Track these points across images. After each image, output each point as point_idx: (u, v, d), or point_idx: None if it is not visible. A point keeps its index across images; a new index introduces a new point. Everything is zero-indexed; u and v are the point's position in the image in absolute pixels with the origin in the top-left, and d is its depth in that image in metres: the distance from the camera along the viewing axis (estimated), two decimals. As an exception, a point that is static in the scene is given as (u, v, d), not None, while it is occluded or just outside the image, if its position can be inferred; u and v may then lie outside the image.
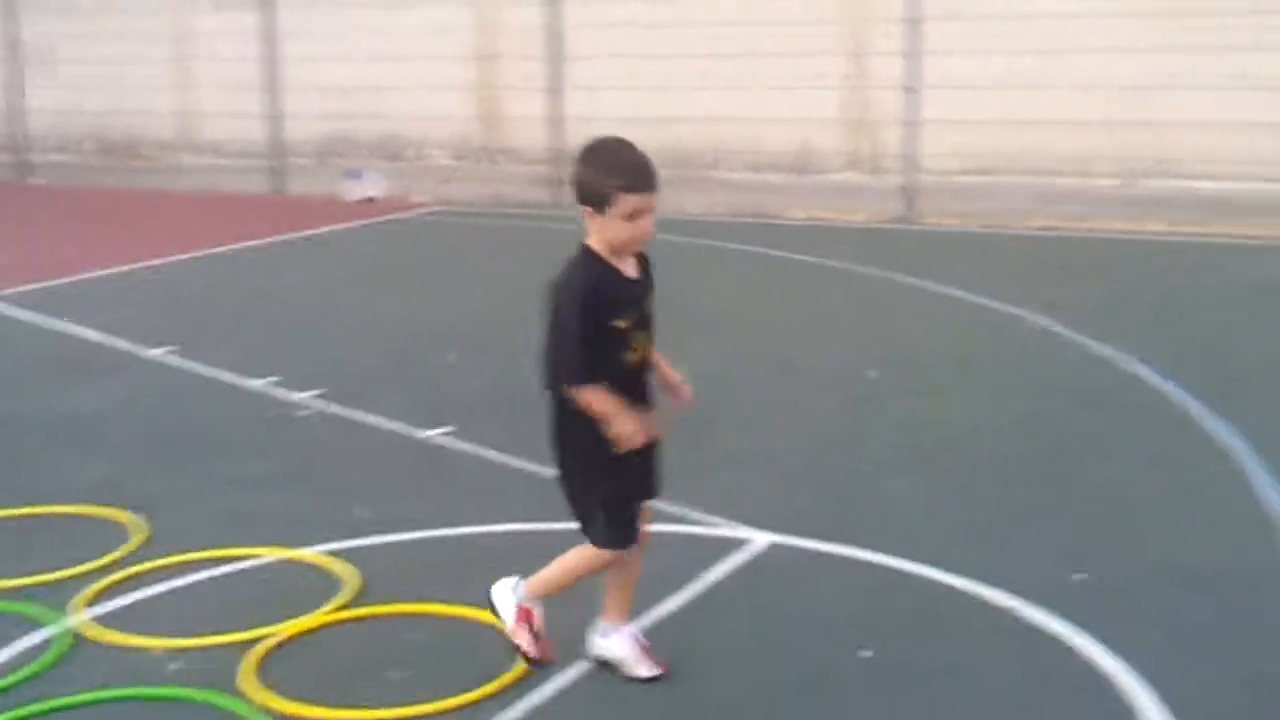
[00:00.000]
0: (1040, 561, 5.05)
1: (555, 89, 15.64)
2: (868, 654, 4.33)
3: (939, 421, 6.98)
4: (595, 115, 14.49)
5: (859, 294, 10.33)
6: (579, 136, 16.00)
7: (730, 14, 15.11)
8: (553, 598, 4.18)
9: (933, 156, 13.69)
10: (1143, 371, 7.61)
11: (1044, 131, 14.38)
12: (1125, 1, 13.29)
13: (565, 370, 3.90)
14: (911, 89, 13.63)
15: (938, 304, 9.70)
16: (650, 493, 4.16)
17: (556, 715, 4.02)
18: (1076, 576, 4.90)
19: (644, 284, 4.06)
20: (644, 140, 4.08)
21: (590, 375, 3.87)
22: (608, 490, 4.02)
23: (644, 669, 4.18)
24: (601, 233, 3.93)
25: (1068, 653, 4.31)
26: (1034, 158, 14.58)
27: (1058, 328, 8.68)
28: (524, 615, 4.16)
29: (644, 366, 4.05)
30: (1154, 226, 12.54)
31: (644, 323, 4.02)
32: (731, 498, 5.66)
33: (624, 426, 3.87)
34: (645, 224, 3.90)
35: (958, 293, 9.84)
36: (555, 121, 15.62)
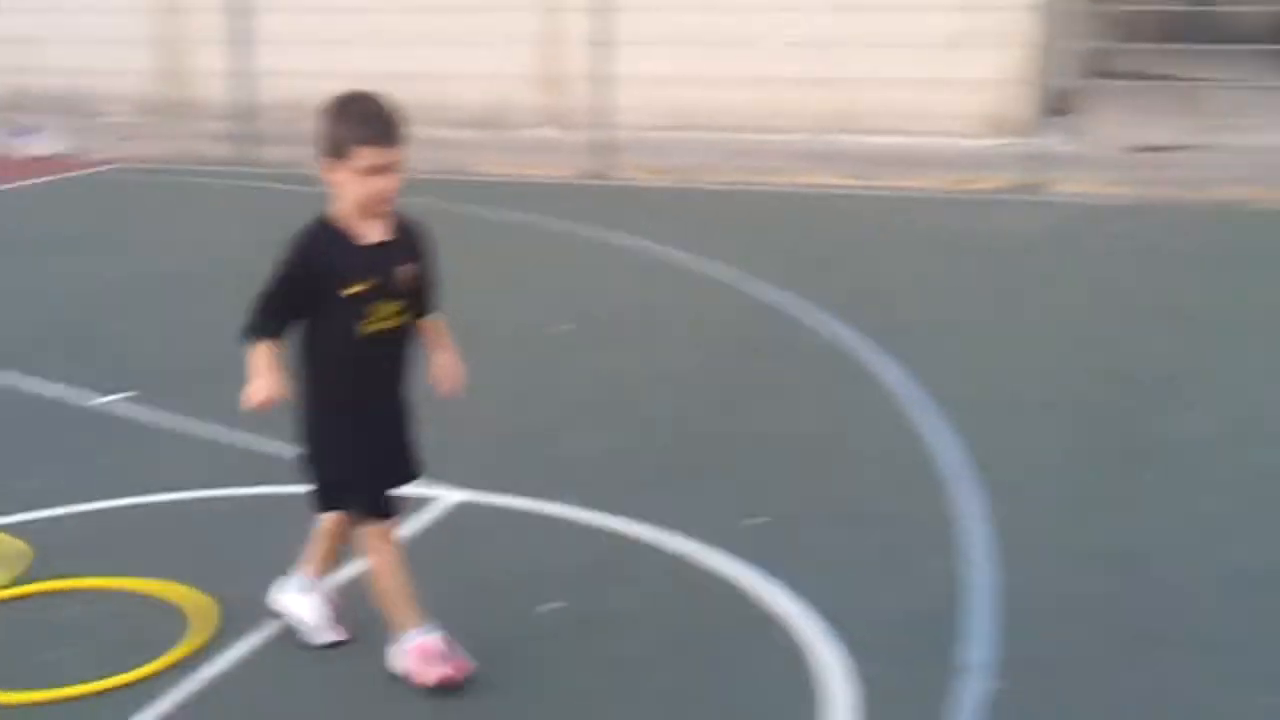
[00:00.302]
0: (717, 507, 5.19)
1: (241, 42, 15.12)
2: (553, 607, 4.37)
3: (623, 375, 7.07)
4: (283, 70, 14.12)
5: (552, 250, 10.37)
6: (267, 92, 15.63)
7: (421, -33, 14.96)
8: (252, 568, 4.03)
9: (626, 112, 13.80)
10: (819, 319, 7.87)
11: (735, 88, 14.73)
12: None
13: (248, 321, 3.74)
14: (603, 44, 13.70)
15: (629, 258, 9.81)
16: (401, 474, 4.01)
17: (234, 690, 3.91)
18: (752, 520, 5.05)
19: (395, 252, 3.82)
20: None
21: (267, 331, 3.72)
22: (346, 463, 3.89)
23: (327, 635, 4.09)
24: (340, 190, 3.73)
25: (742, 596, 4.44)
26: (725, 113, 14.92)
27: (743, 280, 8.89)
28: (416, 650, 3.88)
29: (388, 336, 3.85)
30: (838, 180, 12.95)
31: (391, 292, 3.80)
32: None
33: (251, 387, 3.70)
34: (385, 182, 3.70)
35: (650, 247, 9.98)
36: (241, 76, 15.13)
